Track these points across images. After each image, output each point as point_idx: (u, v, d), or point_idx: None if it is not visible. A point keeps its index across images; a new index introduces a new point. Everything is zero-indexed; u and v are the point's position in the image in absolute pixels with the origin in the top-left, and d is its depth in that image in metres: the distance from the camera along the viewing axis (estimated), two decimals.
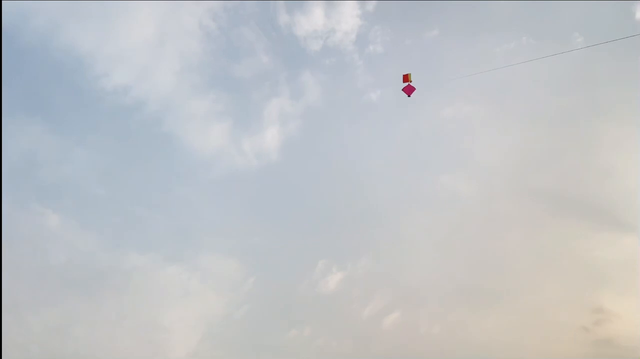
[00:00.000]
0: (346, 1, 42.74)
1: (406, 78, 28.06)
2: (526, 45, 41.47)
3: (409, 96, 28.05)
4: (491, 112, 41.84)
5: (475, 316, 37.54)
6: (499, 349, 35.29)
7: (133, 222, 39.01)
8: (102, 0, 39.50)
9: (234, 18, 42.74)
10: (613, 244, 36.61)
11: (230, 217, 41.03)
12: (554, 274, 36.88)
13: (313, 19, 42.54)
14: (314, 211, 41.40)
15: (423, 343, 37.04)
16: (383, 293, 39.44)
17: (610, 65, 37.48)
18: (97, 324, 36.39)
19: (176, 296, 38.97)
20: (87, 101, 40.43)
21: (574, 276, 36.75)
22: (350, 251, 40.22)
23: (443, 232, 39.70)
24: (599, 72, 38.88)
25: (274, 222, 41.18)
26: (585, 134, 39.20)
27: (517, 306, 36.92)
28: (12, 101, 39.58)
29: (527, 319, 35.85)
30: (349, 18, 42.84)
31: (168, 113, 41.31)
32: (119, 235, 38.71)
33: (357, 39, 43.38)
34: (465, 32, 42.42)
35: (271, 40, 43.75)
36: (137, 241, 39.02)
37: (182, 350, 37.02)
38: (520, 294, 37.31)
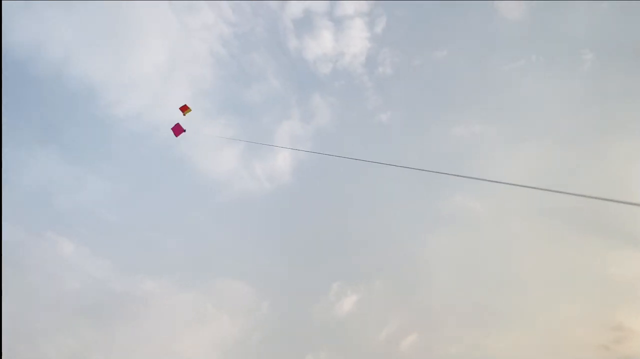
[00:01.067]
0: (355, 24, 43.08)
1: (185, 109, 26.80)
2: (535, 63, 41.51)
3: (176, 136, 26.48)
4: (503, 130, 41.70)
5: (492, 337, 36.91)
6: None
7: (147, 248, 39.15)
8: (114, 30, 40.24)
9: (244, 44, 43.32)
10: (630, 260, 36.00)
11: (243, 240, 41.03)
12: (572, 292, 36.23)
13: (322, 43, 42.91)
14: (327, 233, 41.26)
15: None
16: (399, 314, 38.99)
17: (622, 80, 37.37)
18: (113, 350, 36.14)
19: (190, 322, 38.75)
20: (100, 129, 40.93)
21: (592, 294, 36.07)
22: (365, 273, 39.90)
23: (458, 252, 39.32)
24: (611, 86, 38.74)
25: (287, 245, 41.06)
26: (599, 150, 38.85)
27: (535, 326, 36.09)
28: (26, 131, 40.30)
29: (546, 339, 34.91)
30: (357, 41, 43.08)
31: (180, 139, 41.65)
32: (132, 261, 38.69)
33: (367, 61, 43.56)
34: (474, 51, 42.56)
35: (281, 65, 44.21)
36: (151, 266, 39.06)
37: None
38: (538, 314, 36.54)
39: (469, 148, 41.52)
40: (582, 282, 36.81)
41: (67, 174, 40.27)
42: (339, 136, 43.11)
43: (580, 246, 37.41)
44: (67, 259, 37.94)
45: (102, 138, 41.06)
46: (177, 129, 25.87)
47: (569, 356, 34.30)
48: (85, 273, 38.08)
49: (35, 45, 39.33)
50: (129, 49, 40.99)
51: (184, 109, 26.24)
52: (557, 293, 36.38)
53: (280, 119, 43.73)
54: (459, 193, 40.93)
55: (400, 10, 44.28)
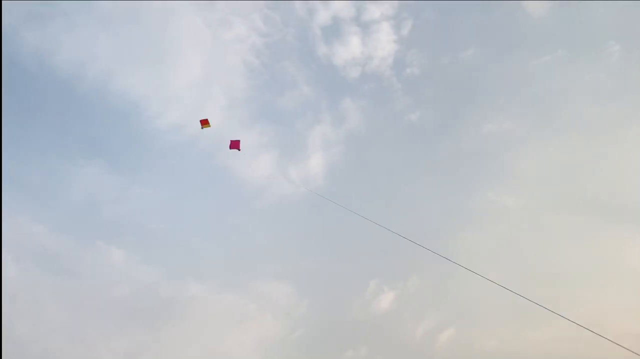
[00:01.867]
0: (381, 28, 44.05)
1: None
2: (561, 58, 41.77)
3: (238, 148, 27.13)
4: (532, 125, 41.89)
5: (530, 330, 36.85)
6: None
7: (191, 253, 40.50)
8: (153, 47, 42.18)
9: (275, 53, 44.76)
10: None
11: (282, 243, 42.02)
12: (610, 283, 36.15)
13: (350, 48, 44.02)
14: (362, 232, 42.22)
15: (479, 358, 37.12)
16: (436, 310, 39.49)
17: None
18: (163, 351, 37.34)
19: (234, 322, 39.95)
20: (143, 141, 42.80)
21: (630, 284, 35.90)
22: (401, 270, 40.54)
23: (493, 246, 39.48)
24: (638, 78, 38.76)
25: (324, 246, 41.98)
26: (628, 140, 38.81)
27: (574, 318, 36.57)
28: (73, 146, 42.62)
29: (586, 331, 35.43)
30: (385, 44, 44.03)
31: (218, 148, 43.32)
32: (178, 266, 40.14)
33: (394, 63, 44.40)
34: (500, 48, 43.07)
35: (311, 72, 45.50)
36: (196, 270, 40.34)
37: None
38: (576, 306, 36.23)
39: (499, 145, 41.95)
40: (620, 272, 36.59)
41: (114, 185, 42.30)
42: (370, 137, 44.01)
43: (616, 235, 37.37)
44: (118, 266, 39.81)
45: (146, 150, 42.94)
46: (235, 144, 26.88)
47: (610, 346, 34.45)
48: (135, 279, 39.87)
49: (80, 64, 41.74)
50: (168, 64, 42.97)
51: (204, 122, 27.57)
52: (596, 284, 36.50)
53: (312, 124, 44.99)
54: (491, 190, 41.46)
55: (425, 12, 45.16)
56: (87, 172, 41.95)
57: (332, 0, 44.15)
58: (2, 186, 32.90)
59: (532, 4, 41.22)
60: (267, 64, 44.55)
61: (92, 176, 41.92)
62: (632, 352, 13.14)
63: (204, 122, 27.59)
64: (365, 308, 39.58)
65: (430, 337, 38.31)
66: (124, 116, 42.73)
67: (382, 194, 42.83)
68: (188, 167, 42.96)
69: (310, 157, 43.96)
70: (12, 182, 39.66)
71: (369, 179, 43.57)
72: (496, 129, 42.28)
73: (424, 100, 44.07)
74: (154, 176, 42.80)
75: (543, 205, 39.59)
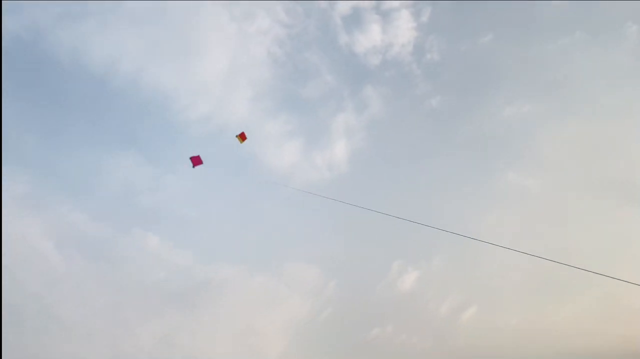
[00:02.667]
0: (401, 15, 44.78)
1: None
2: (579, 40, 42.06)
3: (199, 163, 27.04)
4: (551, 107, 42.17)
5: (553, 306, 37.96)
6: (579, 336, 35.61)
7: (222, 238, 42.19)
8: (180, 41, 43.71)
9: (298, 44, 45.67)
10: None
11: (309, 227, 43.41)
12: (630, 260, 36.41)
13: (371, 36, 44.75)
14: (386, 215, 43.30)
15: (501, 335, 37.66)
16: (459, 289, 40.51)
17: None
18: (197, 331, 39.20)
19: (265, 303, 41.45)
20: (174, 132, 44.35)
21: None
22: (424, 251, 41.64)
23: (514, 227, 40.31)
24: None
25: (349, 229, 43.12)
26: None
27: (596, 294, 36.88)
28: (108, 137, 44.35)
29: (607, 307, 35.93)
30: (405, 31, 44.67)
31: (246, 137, 44.75)
32: (210, 250, 41.78)
33: (414, 50, 45.01)
34: (519, 32, 43.24)
35: (333, 61, 46.38)
36: (227, 254, 42.02)
37: (273, 351, 39.40)
38: (597, 283, 37.15)
39: (519, 127, 42.46)
40: (638, 252, 37.35)
41: (147, 175, 44.03)
42: (392, 123, 44.80)
43: (636, 215, 37.67)
44: (153, 251, 41.53)
45: (176, 140, 44.41)
46: (196, 161, 27.11)
47: (631, 321, 35.02)
48: (170, 263, 41.52)
49: (112, 61, 43.19)
50: (195, 58, 44.35)
51: (242, 137, 28.04)
52: (617, 261, 36.56)
53: (335, 112, 45.94)
54: (511, 171, 42.13)
55: None
56: (122, 163, 43.71)
57: None
58: (2, 185, 33.92)
59: None
60: (290, 55, 45.70)
61: (128, 166, 43.73)
62: None
63: (242, 137, 28.18)
64: (389, 288, 40.85)
65: (453, 315, 39.49)
66: (155, 108, 44.35)
67: (404, 178, 43.78)
68: (217, 157, 44.37)
69: (334, 144, 45.14)
70: (53, 174, 41.99)
71: (392, 164, 44.52)
72: (516, 112, 42.82)
73: (444, 85, 44.82)
74: (185, 166, 44.10)
75: (563, 186, 40.23)
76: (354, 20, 45.21)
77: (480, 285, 40.27)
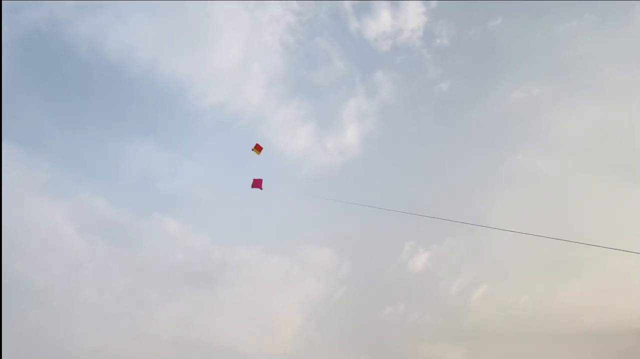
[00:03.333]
0: (410, 1, 45.30)
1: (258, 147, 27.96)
2: (588, 22, 42.23)
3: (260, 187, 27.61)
4: (560, 90, 42.45)
5: (563, 284, 38.80)
6: (589, 313, 36.52)
7: (239, 221, 43.32)
8: (194, 30, 44.49)
9: (309, 30, 46.24)
10: None
11: (322, 210, 43.96)
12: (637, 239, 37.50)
13: (381, 22, 45.21)
14: (396, 197, 43.80)
15: (512, 312, 38.68)
16: (469, 268, 41.44)
17: None
18: (215, 312, 40.51)
19: (280, 284, 42.61)
20: (190, 120, 45.49)
21: None
22: (435, 232, 42.47)
23: (523, 207, 40.99)
24: None
25: (361, 212, 43.88)
26: None
27: (605, 272, 37.51)
28: (126, 125, 45.60)
29: (616, 284, 36.50)
30: (414, 16, 45.12)
31: (260, 123, 45.52)
32: (227, 234, 43.03)
33: (424, 35, 45.40)
34: (527, 16, 43.44)
35: (344, 47, 46.89)
36: (243, 237, 43.18)
37: (289, 331, 40.75)
38: (606, 260, 37.02)
39: (529, 110, 42.85)
40: None
41: (165, 161, 45.23)
42: (402, 107, 45.42)
43: None
44: (172, 235, 42.81)
45: (192, 127, 45.55)
46: (257, 183, 27.71)
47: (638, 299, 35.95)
48: (188, 246, 42.78)
49: (128, 50, 44.17)
50: (209, 47, 45.16)
51: (258, 148, 28.15)
52: (625, 240, 37.33)
53: (346, 98, 46.57)
54: (521, 153, 42.75)
55: None
56: (141, 150, 45.08)
57: None
58: (2, 182, 34.51)
59: None
60: (302, 42, 46.31)
61: (146, 153, 45.04)
62: None
63: (258, 148, 28.28)
64: (401, 268, 41.85)
65: (464, 294, 40.41)
66: (171, 96, 45.42)
67: (415, 161, 44.63)
68: (232, 143, 45.44)
69: (345, 129, 45.89)
70: (74, 161, 43.32)
71: (403, 148, 45.20)
72: (525, 95, 43.19)
73: (454, 69, 45.17)
74: (201, 152, 45.58)
75: (572, 167, 40.78)
76: (364, 6, 45.90)
77: (490, 265, 41.22)
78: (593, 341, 35.08)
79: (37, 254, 39.68)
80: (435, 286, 41.52)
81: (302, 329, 40.93)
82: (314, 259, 43.53)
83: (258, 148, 27.93)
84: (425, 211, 42.29)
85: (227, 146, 45.45)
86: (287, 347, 39.95)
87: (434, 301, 40.83)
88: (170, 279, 41.85)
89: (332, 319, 41.12)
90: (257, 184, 27.45)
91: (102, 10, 42.98)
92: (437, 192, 43.40)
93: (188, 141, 45.43)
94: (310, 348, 39.97)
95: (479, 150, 42.44)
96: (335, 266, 42.91)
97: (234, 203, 44.21)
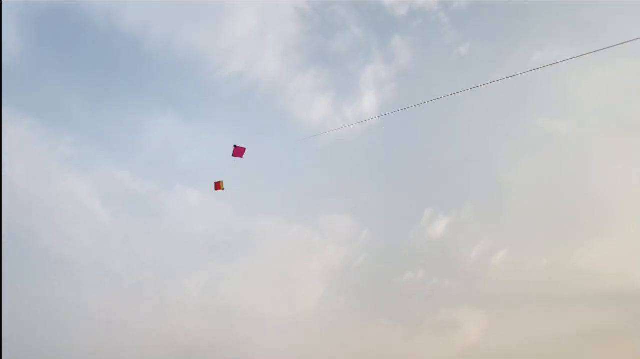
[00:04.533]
0: None
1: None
2: None
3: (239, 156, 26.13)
4: (580, 51, 41.51)
5: (581, 248, 38.84)
6: (607, 277, 36.66)
7: (259, 192, 43.54)
8: (209, 3, 44.23)
9: None
10: None
11: (341, 178, 44.70)
12: None
13: None
14: (416, 164, 44.11)
15: (531, 277, 39.03)
16: (488, 234, 41.65)
17: None
18: (239, 280, 41.58)
19: (301, 252, 43.44)
20: (208, 91, 45.47)
21: None
22: (454, 199, 42.68)
23: (543, 171, 40.91)
24: None
25: (380, 179, 44.37)
26: None
27: (623, 235, 37.77)
28: (146, 98, 45.80)
29: (635, 248, 36.45)
30: None
31: (277, 93, 45.49)
32: (248, 203, 43.36)
33: None
34: None
35: (360, 13, 46.09)
36: (264, 207, 43.81)
37: (311, 298, 41.74)
38: (625, 223, 38.08)
39: (549, 73, 41.99)
40: None
41: (185, 133, 45.58)
42: (421, 72, 44.83)
43: None
44: (195, 206, 43.60)
45: (211, 99, 45.62)
46: (239, 151, 26.47)
47: None
48: (210, 217, 43.65)
49: (144, 24, 44.16)
50: (224, 18, 44.83)
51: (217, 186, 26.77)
52: None
53: (364, 64, 46.00)
54: (541, 116, 42.21)
55: None
56: (161, 123, 45.39)
57: None
58: (2, 186, 34.85)
59: None
60: (317, 9, 45.68)
61: (166, 125, 45.35)
62: None
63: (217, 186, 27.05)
64: (421, 235, 42.26)
65: (484, 259, 40.77)
66: (189, 69, 45.37)
67: (435, 127, 44.34)
68: (251, 113, 45.61)
69: (363, 96, 45.44)
70: (97, 135, 44.09)
71: (421, 114, 44.82)
72: (545, 57, 42.19)
73: (472, 33, 44.21)
74: (221, 123, 45.54)
75: (592, 129, 40.30)
76: None
77: (510, 229, 41.38)
78: (612, 303, 35.44)
79: (64, 227, 40.86)
80: (454, 252, 41.97)
81: (324, 296, 41.81)
82: (334, 227, 44.21)
83: (217, 186, 26.93)
84: (446, 178, 43.43)
85: (245, 116, 45.69)
86: (310, 312, 41.05)
87: (454, 267, 41.34)
88: (193, 249, 42.89)
89: (353, 286, 41.93)
90: (238, 152, 26.29)
91: None
92: (458, 158, 43.32)
93: (207, 112, 45.70)
94: (332, 313, 41.04)
95: (498, 114, 42.06)
96: (355, 234, 43.51)
97: (254, 173, 44.62)
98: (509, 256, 40.56)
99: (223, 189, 27.31)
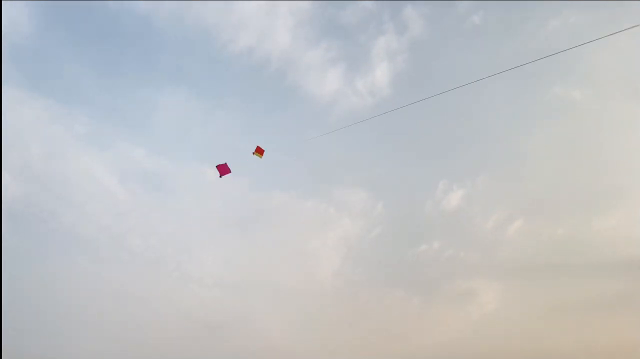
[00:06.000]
0: None
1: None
2: None
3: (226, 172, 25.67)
4: (598, 18, 40.82)
5: (598, 216, 38.85)
6: (625, 243, 36.62)
7: (273, 167, 43.26)
8: None
9: None
10: None
11: (355, 152, 44.81)
12: None
13: None
14: (430, 136, 44.17)
15: (547, 246, 39.25)
16: (504, 204, 41.79)
17: None
18: (255, 255, 42.09)
19: (317, 225, 43.98)
20: (220, 67, 45.25)
21: None
22: (469, 170, 42.71)
23: (560, 140, 40.56)
24: None
25: (394, 152, 44.61)
26: None
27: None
28: (158, 75, 45.66)
29: None
30: None
31: (289, 67, 45.14)
32: (263, 179, 43.87)
33: None
34: None
35: None
36: (279, 182, 44.14)
37: (328, 270, 42.48)
38: None
39: (566, 40, 41.34)
40: None
41: (198, 110, 45.65)
42: (434, 43, 44.15)
43: None
44: (210, 182, 43.48)
45: (222, 75, 45.46)
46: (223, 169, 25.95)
47: None
48: (226, 193, 43.75)
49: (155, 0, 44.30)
50: None
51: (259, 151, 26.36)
52: None
53: (375, 36, 45.27)
54: (557, 85, 41.68)
55: None
56: (175, 99, 45.28)
57: None
58: (2, 186, 34.87)
59: None
60: None
61: (180, 102, 45.33)
62: None
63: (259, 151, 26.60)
64: (436, 206, 42.48)
65: (499, 229, 41.00)
66: (201, 44, 45.14)
67: (448, 98, 43.81)
68: (263, 89, 45.51)
69: (375, 68, 45.07)
70: (111, 113, 44.35)
71: (435, 85, 44.35)
72: (561, 25, 41.66)
73: (486, 1, 43.45)
74: (233, 99, 45.68)
75: (609, 95, 39.72)
76: None
77: (525, 200, 41.41)
78: (630, 270, 35.08)
79: (83, 206, 41.51)
80: (470, 223, 42.18)
81: (340, 268, 42.44)
82: (349, 201, 44.62)
83: (259, 151, 26.61)
84: (460, 149, 43.27)
85: (257, 91, 45.63)
86: (327, 284, 41.79)
87: (469, 237, 41.63)
88: (210, 224, 43.57)
89: (369, 258, 42.49)
90: (223, 170, 25.70)
91: None
92: (472, 129, 43.09)
93: (219, 88, 45.64)
94: (349, 285, 41.77)
95: (514, 84, 41.37)
96: (370, 207, 43.87)
97: (268, 148, 44.76)
98: (525, 226, 40.80)
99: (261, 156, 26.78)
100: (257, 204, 44.09)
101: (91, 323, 37.11)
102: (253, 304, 40.69)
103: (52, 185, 40.82)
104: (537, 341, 35.86)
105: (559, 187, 40.00)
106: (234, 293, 41.44)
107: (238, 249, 42.69)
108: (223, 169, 25.74)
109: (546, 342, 35.56)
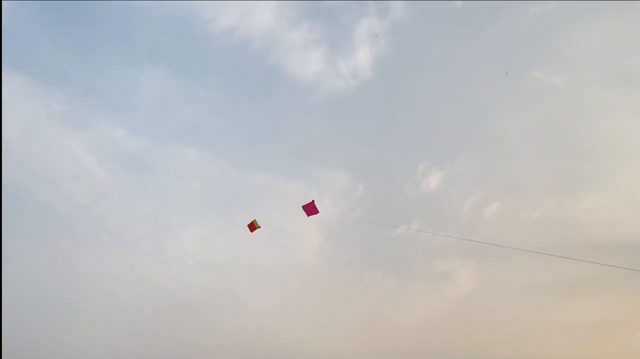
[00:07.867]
0: None
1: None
2: None
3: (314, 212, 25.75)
4: (578, 4, 41.16)
5: (573, 200, 39.69)
6: (598, 227, 37.68)
7: (255, 148, 44.11)
8: None
9: None
10: None
11: (336, 134, 44.90)
12: None
13: None
14: (410, 119, 44.30)
15: (524, 228, 39.80)
16: (482, 187, 42.35)
17: None
18: (236, 236, 41.26)
19: (298, 206, 44.14)
20: (201, 45, 44.69)
21: None
22: (448, 152, 43.22)
23: (538, 124, 41.18)
24: None
25: (375, 134, 44.64)
26: None
27: (615, 187, 38.46)
28: (139, 53, 45.01)
29: (626, 199, 37.26)
30: None
31: (271, 48, 44.79)
32: (244, 160, 43.98)
33: None
34: None
35: None
36: (260, 163, 44.15)
37: (308, 251, 42.73)
38: (616, 176, 38.76)
39: (546, 25, 41.68)
40: None
41: (178, 89, 45.17)
42: (416, 26, 44.00)
43: None
44: (191, 163, 43.76)
45: (203, 54, 44.91)
46: (311, 209, 26.15)
47: None
48: (207, 174, 43.84)
49: None
50: None
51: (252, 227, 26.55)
52: (637, 156, 37.87)
53: (358, 18, 44.96)
54: (538, 70, 41.97)
55: None
56: (154, 77, 44.66)
57: None
58: (2, 186, 34.73)
59: None
60: None
61: (160, 80, 44.70)
62: None
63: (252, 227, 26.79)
64: (415, 188, 42.92)
65: (477, 211, 41.58)
66: (181, 22, 44.45)
67: (430, 81, 44.08)
68: (244, 68, 45.01)
69: (357, 50, 44.96)
70: (90, 91, 43.48)
71: (417, 68, 44.50)
72: (542, 11, 41.89)
73: None
74: (213, 78, 45.31)
75: (588, 81, 40.30)
76: None
77: (503, 182, 42.09)
78: (604, 253, 36.14)
79: (60, 184, 40.88)
80: (448, 205, 42.73)
81: (320, 249, 42.72)
82: (329, 182, 44.63)
83: (252, 227, 26.65)
84: (440, 132, 43.54)
85: (239, 71, 45.20)
86: (307, 265, 42.03)
87: (447, 219, 42.18)
88: (191, 204, 43.41)
89: (350, 238, 42.82)
90: (310, 210, 26.05)
91: None
92: (453, 112, 43.37)
93: (200, 67, 45.14)
94: (328, 266, 42.13)
95: (495, 67, 41.72)
96: (351, 188, 44.08)
97: (249, 129, 44.77)
98: (502, 208, 41.37)
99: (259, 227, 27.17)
100: (238, 185, 43.98)
101: (69, 302, 36.91)
102: (233, 284, 40.84)
103: (29, 164, 40.16)
104: (512, 319, 36.70)
105: (536, 171, 40.70)
106: (214, 273, 41.43)
107: (219, 230, 42.79)
108: (310, 209, 26.14)
109: (521, 320, 36.45)
